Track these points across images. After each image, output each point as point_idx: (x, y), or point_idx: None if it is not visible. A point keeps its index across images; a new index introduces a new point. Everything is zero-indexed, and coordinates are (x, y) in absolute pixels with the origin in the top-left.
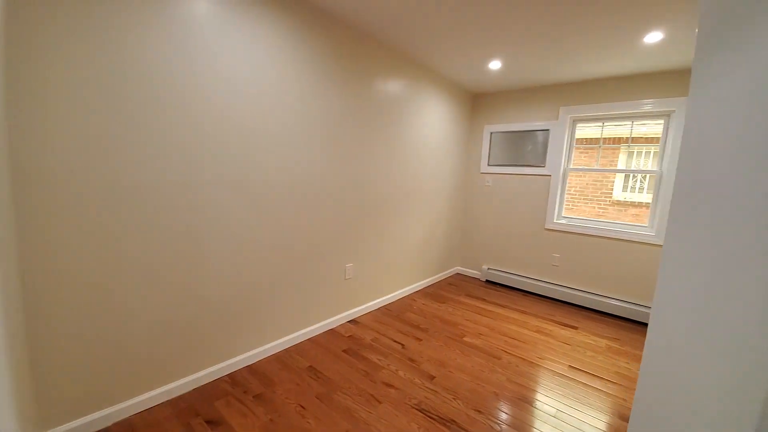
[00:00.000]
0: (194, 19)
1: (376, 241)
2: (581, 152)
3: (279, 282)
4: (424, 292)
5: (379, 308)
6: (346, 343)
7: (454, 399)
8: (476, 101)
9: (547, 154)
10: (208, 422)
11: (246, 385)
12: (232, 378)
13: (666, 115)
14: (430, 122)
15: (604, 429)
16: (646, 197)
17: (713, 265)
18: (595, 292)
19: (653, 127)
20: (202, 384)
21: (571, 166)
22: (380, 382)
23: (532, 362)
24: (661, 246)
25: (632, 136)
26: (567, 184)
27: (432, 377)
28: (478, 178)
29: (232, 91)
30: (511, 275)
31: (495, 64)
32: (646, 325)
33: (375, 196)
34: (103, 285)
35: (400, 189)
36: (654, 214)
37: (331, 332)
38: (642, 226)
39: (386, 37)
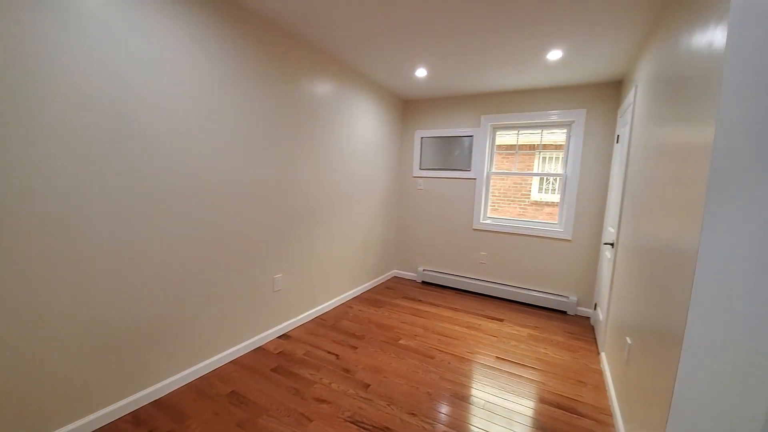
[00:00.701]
0: (96, 17)
1: (307, 249)
2: (503, 157)
3: (193, 301)
4: (361, 298)
5: (312, 319)
6: (275, 361)
7: (388, 405)
8: (407, 107)
9: (472, 158)
10: None
11: (152, 423)
12: (136, 416)
13: (568, 125)
14: (362, 126)
15: (528, 414)
16: (558, 197)
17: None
18: (518, 286)
19: (560, 135)
20: (95, 429)
21: (493, 170)
22: (311, 399)
23: (463, 357)
24: (569, 240)
25: (543, 143)
26: (491, 187)
27: (367, 386)
28: (411, 181)
29: (131, 92)
30: (445, 275)
31: (421, 72)
32: (562, 312)
33: (306, 201)
34: None
35: (333, 194)
36: (562, 212)
37: (259, 350)
38: (553, 223)
39: (312, 39)
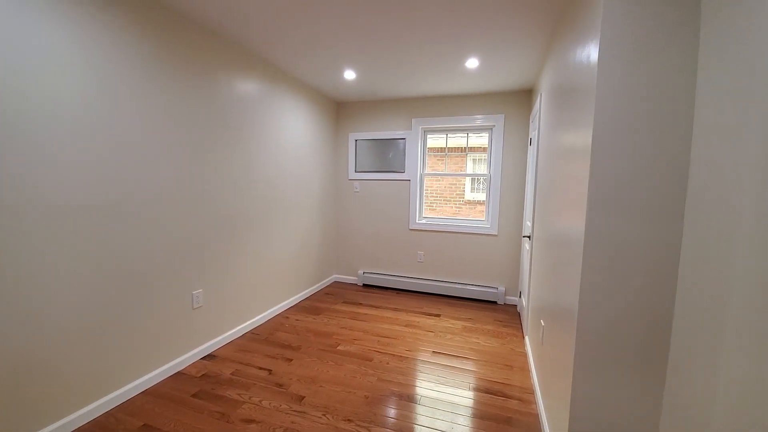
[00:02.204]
0: None
1: (233, 260)
2: (437, 159)
3: (89, 331)
4: (299, 307)
5: (243, 335)
6: (197, 386)
7: (324, 415)
8: (340, 109)
9: (406, 160)
10: None
11: None
12: None
13: (489, 129)
14: (294, 128)
15: (461, 402)
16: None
17: None
18: (454, 281)
19: (485, 138)
20: None
21: (426, 171)
22: (238, 421)
23: (402, 356)
24: (495, 235)
25: (469, 145)
26: (425, 188)
27: (301, 398)
28: (346, 184)
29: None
30: (385, 276)
31: (350, 74)
32: (491, 302)
33: (229, 209)
34: None
35: (263, 199)
36: (488, 209)
37: (178, 375)
38: (481, 220)
39: (232, 35)
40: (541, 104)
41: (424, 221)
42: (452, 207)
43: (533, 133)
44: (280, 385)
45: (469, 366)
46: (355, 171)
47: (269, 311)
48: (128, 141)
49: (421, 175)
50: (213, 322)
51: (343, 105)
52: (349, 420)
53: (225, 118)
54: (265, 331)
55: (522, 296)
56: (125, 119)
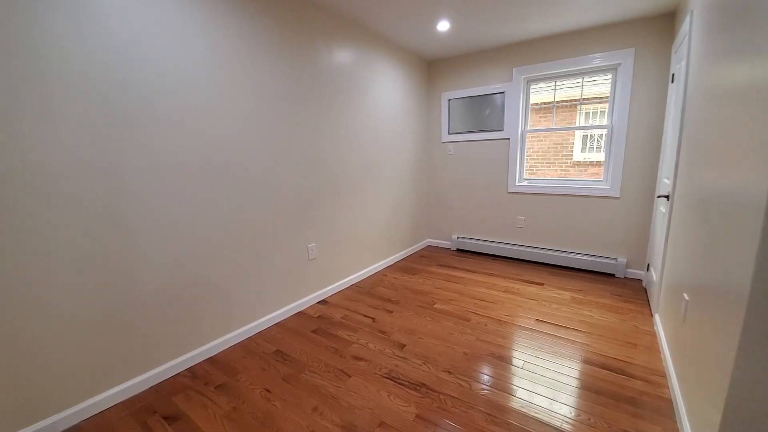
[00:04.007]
0: None
1: (339, 219)
2: (540, 116)
3: (236, 269)
4: (396, 267)
5: (349, 286)
6: (315, 324)
7: (424, 363)
8: (432, 68)
9: (505, 117)
10: (166, 418)
11: (207, 377)
12: (193, 371)
13: (613, 69)
14: (386, 92)
15: (568, 373)
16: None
17: None
18: (560, 249)
19: (605, 86)
20: (159, 381)
21: (528, 128)
22: (350, 357)
23: (501, 320)
24: (616, 198)
25: (584, 96)
26: (526, 147)
27: (402, 346)
28: (440, 147)
29: (156, 69)
30: (480, 241)
31: (443, 25)
32: (607, 275)
33: (334, 172)
34: (27, 281)
35: (359, 164)
36: (608, 167)
37: (300, 314)
38: (598, 180)
39: (327, 1)
40: (692, 26)
41: (525, 183)
42: (557, 170)
43: (677, 67)
44: (383, 332)
45: (580, 338)
46: (449, 133)
47: (369, 269)
48: (244, 111)
49: (522, 132)
50: (325, 272)
51: (434, 64)
52: (449, 372)
53: (324, 87)
54: (367, 286)
55: (651, 269)
56: (241, 90)
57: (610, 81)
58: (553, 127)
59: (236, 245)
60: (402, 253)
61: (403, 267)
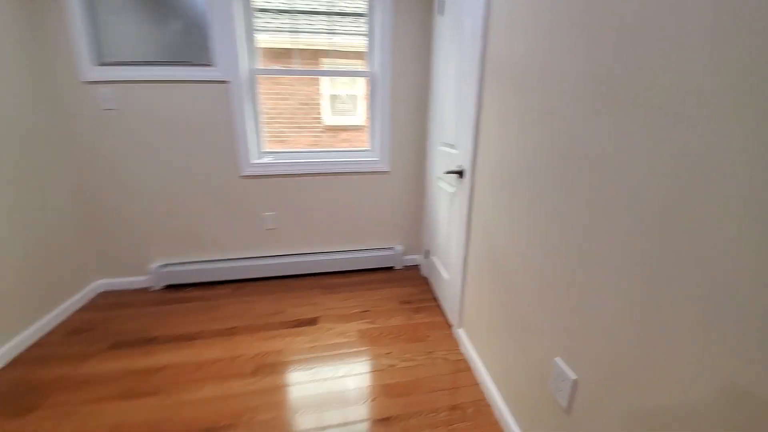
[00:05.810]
0: None
1: None
2: (277, 64)
3: None
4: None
5: None
6: None
7: None
8: None
9: (214, 43)
10: None
11: None
12: None
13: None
14: None
15: None
16: (356, 120)
17: None
18: (330, 250)
19: (359, 37)
20: None
21: (259, 67)
22: None
23: None
24: (386, 173)
25: (336, 46)
26: (262, 100)
27: None
28: (81, 94)
29: None
30: (206, 264)
31: None
32: (386, 269)
33: None
34: None
35: None
36: (374, 131)
37: None
38: (364, 150)
39: None
40: None
41: (268, 160)
42: (308, 136)
43: None
44: None
45: None
46: (99, 64)
47: None
48: None
49: (251, 71)
50: None
51: None
52: None
53: None
54: None
55: (432, 257)
56: None
57: (366, 10)
58: (297, 69)
59: None
60: (27, 333)
61: (13, 381)
